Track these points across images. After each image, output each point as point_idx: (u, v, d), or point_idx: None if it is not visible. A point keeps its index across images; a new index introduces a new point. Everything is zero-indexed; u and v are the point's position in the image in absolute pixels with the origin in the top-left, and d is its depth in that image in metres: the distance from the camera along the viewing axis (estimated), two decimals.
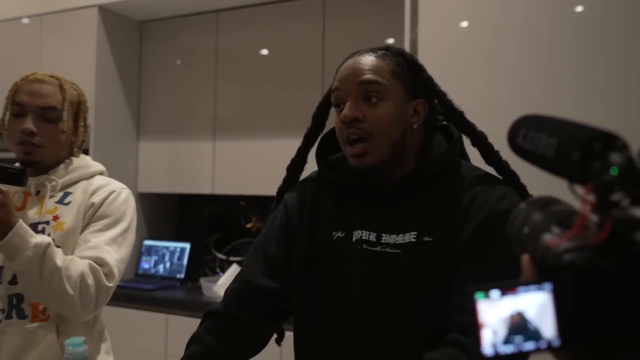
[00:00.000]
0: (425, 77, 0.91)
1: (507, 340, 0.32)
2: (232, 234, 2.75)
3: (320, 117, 0.99)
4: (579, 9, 1.62)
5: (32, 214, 1.28)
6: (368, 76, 0.86)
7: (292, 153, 1.04)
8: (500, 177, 0.90)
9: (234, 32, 2.55)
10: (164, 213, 2.90)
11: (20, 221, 1.16)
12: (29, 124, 1.25)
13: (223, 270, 2.56)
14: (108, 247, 1.30)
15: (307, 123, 1.07)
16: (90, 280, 1.23)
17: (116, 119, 2.62)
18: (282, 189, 1.06)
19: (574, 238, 0.31)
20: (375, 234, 0.89)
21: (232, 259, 2.61)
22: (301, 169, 1.04)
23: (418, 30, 1.82)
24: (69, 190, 1.33)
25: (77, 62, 2.52)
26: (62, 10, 2.62)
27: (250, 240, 2.62)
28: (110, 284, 1.27)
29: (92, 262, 1.26)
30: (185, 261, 2.64)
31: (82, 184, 1.35)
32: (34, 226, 1.26)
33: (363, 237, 0.90)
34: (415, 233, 0.86)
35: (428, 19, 1.82)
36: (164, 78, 2.74)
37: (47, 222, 1.29)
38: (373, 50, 0.91)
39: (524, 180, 0.91)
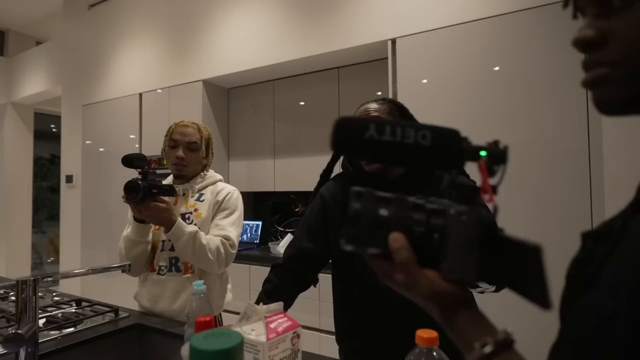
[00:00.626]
0: (409, 115, 1.08)
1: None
2: (286, 215, 3.11)
3: None
4: (496, 68, 1.88)
5: (181, 207, 1.46)
6: (374, 114, 1.04)
7: (321, 165, 1.14)
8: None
9: (284, 92, 2.97)
10: (245, 203, 3.09)
11: (179, 218, 1.33)
12: (180, 153, 1.45)
13: (282, 237, 2.93)
14: (230, 228, 1.45)
15: (329, 147, 1.13)
16: (222, 250, 1.39)
17: (215, 148, 2.76)
18: (318, 186, 1.17)
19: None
20: None
21: (287, 230, 3.02)
22: (330, 175, 1.17)
23: (397, 85, 2.14)
24: (203, 192, 1.51)
25: (190, 114, 2.95)
26: (181, 84, 3.12)
27: (298, 219, 3.03)
28: (233, 251, 1.44)
29: (222, 238, 1.42)
30: (259, 232, 3.03)
31: (210, 187, 1.53)
32: (183, 215, 1.44)
33: None
34: None
35: (402, 79, 2.12)
36: (242, 121, 3.17)
37: (191, 213, 1.46)
38: (376, 101, 1.08)
39: None
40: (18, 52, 4.91)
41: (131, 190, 1.25)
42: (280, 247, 2.70)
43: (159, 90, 3.28)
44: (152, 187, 1.27)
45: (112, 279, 2.89)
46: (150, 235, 1.44)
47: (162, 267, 1.43)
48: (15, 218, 4.96)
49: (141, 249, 1.41)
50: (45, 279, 0.91)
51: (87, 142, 3.78)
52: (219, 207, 1.48)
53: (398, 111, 1.07)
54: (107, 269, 1.05)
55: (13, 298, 1.56)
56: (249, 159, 3.12)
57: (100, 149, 3.71)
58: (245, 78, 3.01)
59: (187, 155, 1.46)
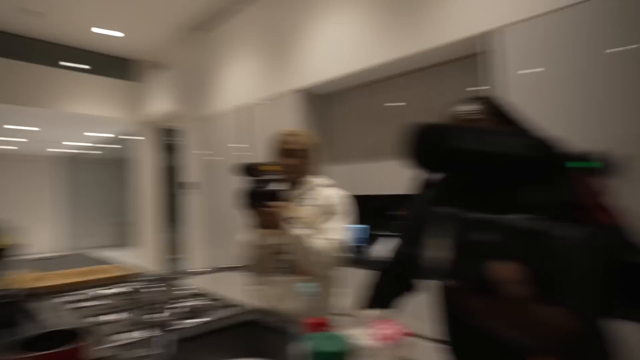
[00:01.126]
0: (512, 116, 0.96)
1: None
2: (386, 218, 2.86)
3: None
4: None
5: (295, 210, 1.47)
6: (471, 118, 0.95)
7: None
8: None
9: (383, 94, 2.97)
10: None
11: (287, 222, 1.38)
12: (291, 160, 1.53)
13: (381, 241, 2.90)
14: (335, 231, 1.48)
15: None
16: (326, 252, 1.43)
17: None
18: (421, 187, 1.14)
19: None
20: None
21: (386, 234, 2.92)
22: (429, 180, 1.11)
23: (500, 79, 2.01)
24: (307, 196, 1.56)
25: (292, 122, 3.10)
26: (280, 94, 3.30)
27: (398, 222, 2.91)
28: (339, 254, 1.47)
29: (327, 241, 1.45)
30: (360, 236, 3.01)
31: (315, 191, 1.57)
32: (297, 218, 1.44)
33: None
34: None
35: (505, 71, 2.00)
36: (341, 126, 3.28)
37: (296, 218, 1.44)
38: (473, 101, 0.99)
39: None
40: (148, 77, 5.70)
41: (248, 197, 1.35)
42: (380, 250, 2.70)
43: (263, 102, 3.51)
44: (262, 193, 1.36)
45: (232, 277, 3.14)
46: (268, 239, 1.50)
47: (281, 270, 1.50)
48: (149, 219, 5.74)
49: (258, 252, 1.51)
50: (177, 276, 1.03)
51: (205, 152, 4.22)
52: (324, 211, 1.51)
53: (498, 112, 0.96)
54: (231, 269, 1.15)
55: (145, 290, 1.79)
56: (349, 162, 3.17)
57: (214, 158, 4.14)
58: (341, 84, 3.07)
59: (290, 162, 1.52)
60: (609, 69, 1.73)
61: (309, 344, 0.36)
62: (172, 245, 5.59)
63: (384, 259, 1.15)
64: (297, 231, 1.39)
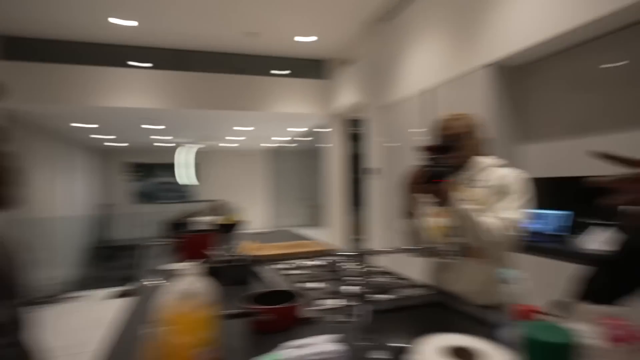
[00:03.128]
0: None
1: None
2: (594, 204, 2.46)
3: None
4: None
5: (466, 191, 1.46)
6: None
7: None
8: None
9: (583, 59, 2.52)
10: (543, 190, 2.70)
11: (460, 203, 1.37)
12: (447, 145, 1.49)
13: (588, 230, 2.46)
14: (509, 210, 1.41)
15: None
16: (498, 231, 1.36)
17: (507, 132, 2.92)
18: None
19: None
20: None
21: (595, 222, 2.47)
22: None
23: None
24: (478, 179, 1.50)
25: (477, 101, 2.95)
26: (466, 72, 3.11)
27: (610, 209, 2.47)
28: (513, 233, 1.38)
29: (503, 219, 1.38)
30: (563, 224, 2.69)
31: (485, 173, 1.50)
32: (468, 200, 1.41)
33: None
34: None
35: None
36: (537, 100, 2.89)
37: (467, 201, 1.42)
38: None
39: None
40: (337, 73, 6.19)
41: (418, 177, 1.37)
42: (587, 241, 2.33)
43: (447, 83, 3.35)
44: (433, 174, 1.37)
45: (411, 258, 3.14)
46: (439, 220, 1.50)
47: (455, 252, 1.47)
48: (336, 203, 6.29)
49: (430, 234, 1.50)
50: (368, 254, 1.10)
51: (386, 139, 4.36)
52: (497, 191, 1.44)
53: None
54: (411, 250, 1.17)
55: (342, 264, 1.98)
56: (547, 141, 2.81)
57: (394, 144, 4.24)
58: (539, 51, 2.68)
59: (453, 148, 1.49)
60: None
61: (526, 331, 0.33)
62: (356, 226, 5.98)
63: (587, 250, 0.99)
64: (467, 210, 1.36)
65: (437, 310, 1.40)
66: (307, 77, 6.27)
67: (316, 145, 8.72)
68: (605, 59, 2.45)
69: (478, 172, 1.52)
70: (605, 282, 1.00)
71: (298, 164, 11.74)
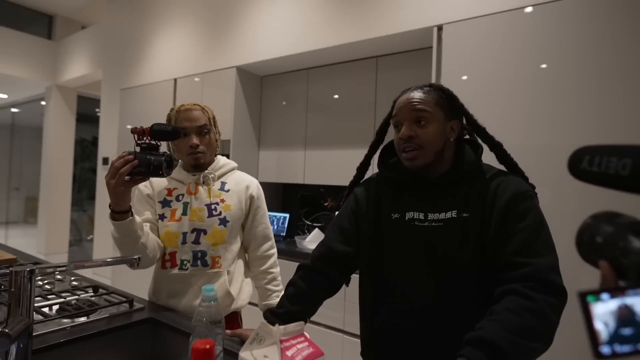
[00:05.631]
0: (459, 104, 0.95)
1: (617, 333, 0.27)
2: (315, 208, 2.99)
3: (382, 132, 1.03)
4: (543, 65, 1.69)
5: (205, 197, 1.33)
6: (419, 106, 0.90)
7: (354, 159, 1.09)
8: (510, 172, 0.93)
9: (319, 82, 2.83)
10: (274, 194, 3.18)
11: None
12: (194, 140, 1.29)
13: (309, 232, 2.84)
14: (269, 228, 1.46)
15: (363, 140, 1.09)
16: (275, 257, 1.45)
17: (246, 137, 2.98)
18: (353, 183, 1.10)
19: None
20: (423, 213, 0.91)
21: (315, 224, 2.89)
22: (367, 168, 1.10)
23: (441, 78, 1.94)
24: (223, 180, 1.39)
25: (224, 102, 2.92)
26: (214, 70, 3.04)
27: (326, 213, 2.92)
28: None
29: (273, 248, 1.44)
30: (286, 225, 2.93)
31: (231, 175, 1.41)
32: (209, 206, 1.32)
33: (414, 217, 0.93)
34: (455, 211, 0.88)
35: (447, 70, 1.94)
36: (274, 112, 3.06)
37: (217, 203, 1.33)
38: (421, 88, 0.94)
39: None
40: (64, 36, 5.01)
41: (169, 166, 1.04)
42: (307, 241, 2.61)
43: (194, 77, 3.22)
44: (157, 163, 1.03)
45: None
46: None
47: (185, 262, 1.30)
48: (56, 196, 5.09)
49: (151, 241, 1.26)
50: (43, 270, 0.80)
51: (128, 126, 3.77)
52: (254, 205, 1.40)
53: (446, 99, 0.93)
54: (116, 262, 0.94)
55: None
56: (280, 149, 3.02)
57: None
58: (280, 66, 2.89)
59: (201, 141, 1.31)
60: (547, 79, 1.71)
61: None
62: (89, 225, 5.04)
63: (307, 249, 1.06)
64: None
65: (147, 329, 1.19)
66: (28, 32, 4.84)
67: (40, 122, 6.91)
68: (333, 87, 2.78)
69: (222, 173, 1.40)
70: (302, 285, 1.02)
71: (9, 143, 8.99)
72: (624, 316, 0.28)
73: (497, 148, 0.93)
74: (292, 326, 0.61)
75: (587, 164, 0.38)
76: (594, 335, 0.28)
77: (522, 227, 0.82)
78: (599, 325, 0.28)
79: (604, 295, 0.29)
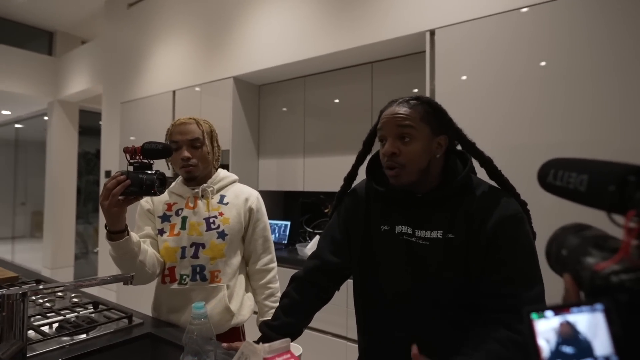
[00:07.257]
0: (447, 119, 0.91)
1: (558, 350, 0.27)
2: (315, 215, 3.02)
3: (368, 144, 1.00)
4: (543, 63, 1.69)
5: (203, 211, 1.33)
6: (404, 122, 0.87)
7: (352, 165, 1.04)
8: (500, 189, 0.90)
9: (316, 88, 2.85)
10: (275, 202, 3.20)
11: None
12: (185, 153, 1.29)
13: (310, 239, 2.87)
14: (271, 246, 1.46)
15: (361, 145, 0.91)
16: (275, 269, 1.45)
17: (245, 146, 2.99)
18: (341, 193, 1.10)
19: (620, 261, 0.28)
20: (411, 228, 0.91)
21: (316, 231, 2.91)
22: (354, 179, 1.08)
23: (435, 81, 1.96)
24: (222, 193, 1.38)
25: (222, 112, 2.94)
26: (213, 80, 3.06)
27: (327, 220, 2.71)
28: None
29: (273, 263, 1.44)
30: (287, 232, 2.93)
31: (231, 188, 1.41)
32: (207, 219, 1.32)
33: (403, 231, 0.92)
34: (441, 232, 0.87)
35: (441, 74, 1.95)
36: (273, 120, 3.08)
37: (216, 217, 1.32)
38: (407, 102, 0.90)
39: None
40: (65, 52, 5.07)
41: (162, 184, 1.04)
42: (308, 249, 2.60)
43: (196, 88, 3.22)
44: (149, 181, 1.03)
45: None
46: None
47: (184, 276, 1.30)
48: (61, 210, 5.14)
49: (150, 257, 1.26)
50: (36, 292, 0.81)
51: (131, 137, 3.78)
52: (253, 217, 1.39)
53: (433, 114, 0.90)
54: (110, 281, 0.94)
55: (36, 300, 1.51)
56: (279, 157, 3.02)
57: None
58: (277, 74, 2.91)
59: (192, 154, 1.31)
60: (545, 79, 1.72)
61: None
62: (94, 239, 5.06)
63: (306, 256, 1.12)
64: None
65: (146, 344, 1.19)
66: (29, 49, 4.90)
67: (43, 137, 6.98)
68: (332, 93, 2.79)
69: (221, 186, 1.39)
70: (296, 297, 1.04)
71: (14, 158, 9.09)
72: (566, 333, 0.28)
73: (487, 164, 0.91)
74: (278, 343, 0.61)
75: (552, 178, 0.39)
76: (536, 352, 0.28)
77: (509, 257, 0.81)
78: (541, 342, 0.28)
79: (548, 313, 0.29)
